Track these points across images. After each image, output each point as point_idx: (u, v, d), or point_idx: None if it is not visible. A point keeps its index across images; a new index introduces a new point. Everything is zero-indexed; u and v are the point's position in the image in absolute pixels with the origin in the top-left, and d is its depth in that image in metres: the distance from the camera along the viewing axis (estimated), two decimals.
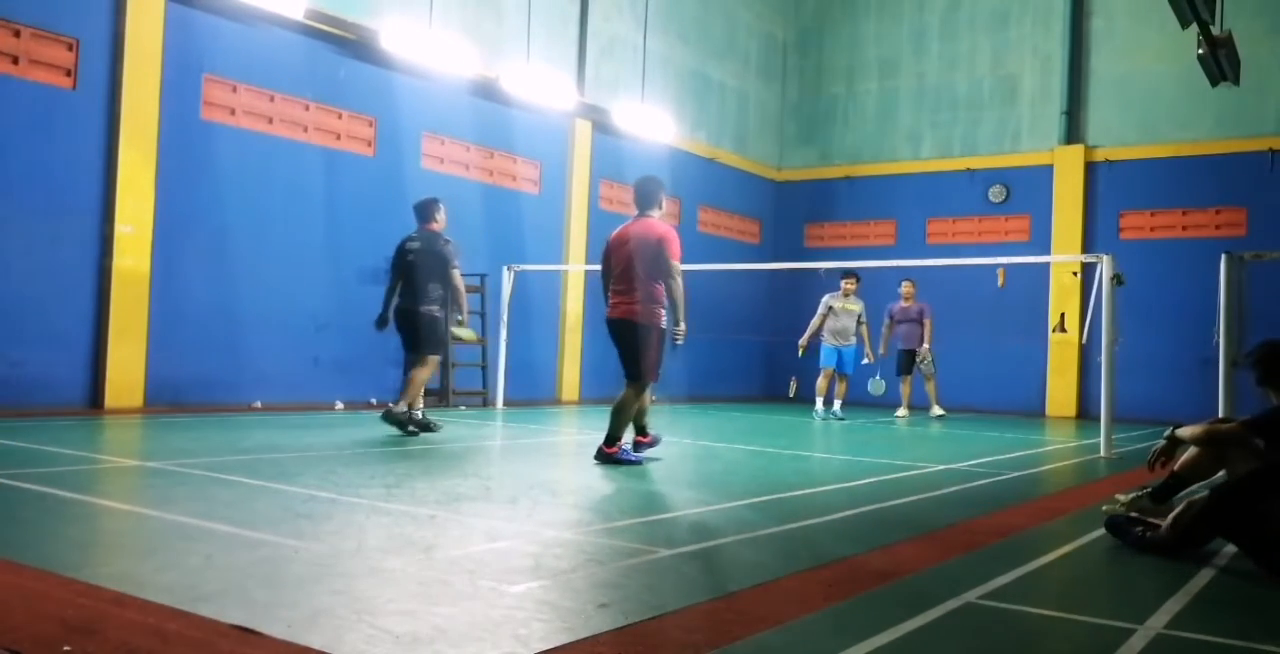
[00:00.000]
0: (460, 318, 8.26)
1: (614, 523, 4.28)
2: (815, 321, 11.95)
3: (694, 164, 15.80)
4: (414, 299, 7.85)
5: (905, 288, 12.96)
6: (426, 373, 7.93)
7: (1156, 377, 13.29)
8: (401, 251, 8.03)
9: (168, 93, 9.30)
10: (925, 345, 12.75)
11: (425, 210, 8.12)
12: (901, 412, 12.89)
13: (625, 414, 6.35)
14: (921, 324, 12.81)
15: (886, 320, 13.01)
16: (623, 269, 6.36)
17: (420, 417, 7.89)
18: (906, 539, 4.14)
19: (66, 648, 2.26)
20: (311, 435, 7.54)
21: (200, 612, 2.58)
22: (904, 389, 13.00)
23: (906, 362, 12.94)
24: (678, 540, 3.94)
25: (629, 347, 6.34)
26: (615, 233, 6.59)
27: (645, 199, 6.58)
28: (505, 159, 12.80)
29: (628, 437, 6.50)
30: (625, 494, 5.19)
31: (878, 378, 12.53)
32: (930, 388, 12.86)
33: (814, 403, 12.11)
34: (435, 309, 7.89)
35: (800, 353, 11.96)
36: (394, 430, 7.64)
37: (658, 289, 6.34)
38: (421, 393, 7.99)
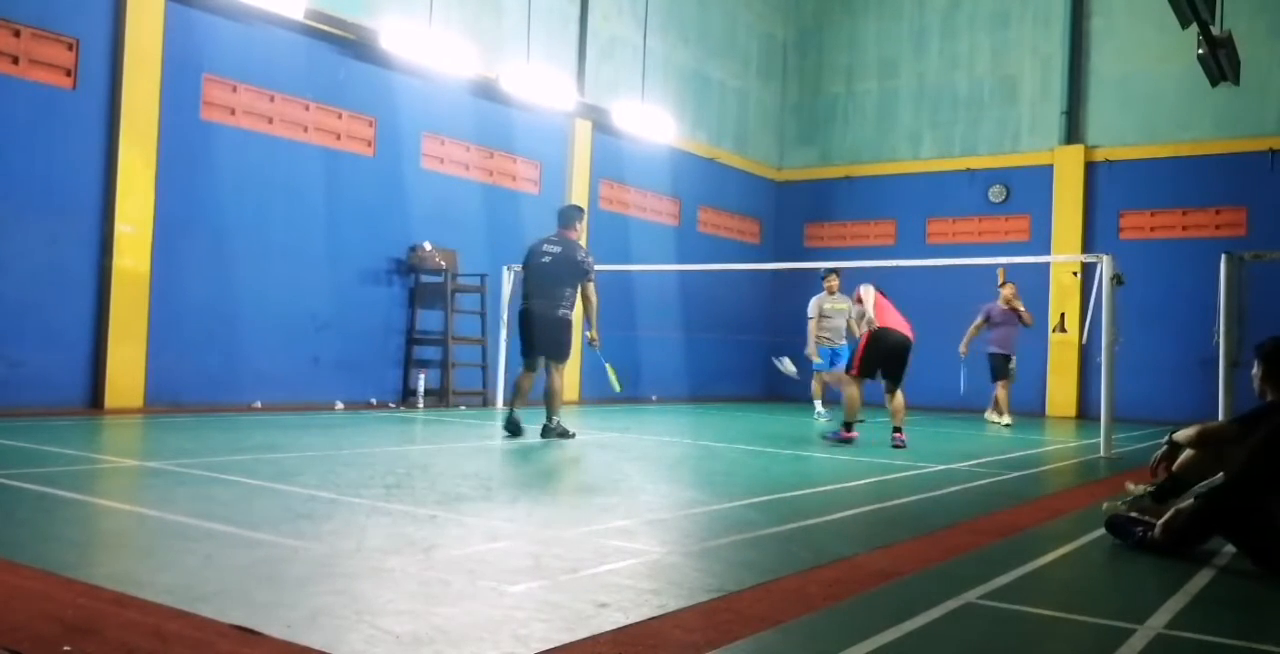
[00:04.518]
0: (590, 333, 8.07)
1: (614, 523, 4.28)
2: (812, 327, 11.40)
3: (694, 164, 15.80)
4: (549, 302, 7.72)
5: (1009, 289, 11.69)
6: (560, 381, 7.93)
7: (1156, 377, 13.29)
8: (537, 253, 7.85)
9: (168, 93, 9.30)
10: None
11: (568, 216, 8.05)
12: (1005, 418, 11.63)
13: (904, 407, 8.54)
14: (1018, 327, 11.75)
15: (980, 320, 11.86)
16: (894, 306, 8.62)
17: (555, 423, 7.97)
18: (906, 539, 4.14)
19: (66, 648, 2.26)
20: (311, 435, 7.54)
21: (200, 612, 2.58)
22: (1001, 394, 11.75)
23: (1001, 366, 11.74)
24: (678, 540, 3.94)
25: (906, 360, 8.43)
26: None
27: None
28: (505, 159, 12.79)
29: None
30: (625, 494, 5.18)
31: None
32: (1007, 393, 11.85)
33: (813, 404, 12.13)
34: (572, 314, 7.86)
35: (813, 362, 11.52)
36: (559, 441, 7.81)
37: None
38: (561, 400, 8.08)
